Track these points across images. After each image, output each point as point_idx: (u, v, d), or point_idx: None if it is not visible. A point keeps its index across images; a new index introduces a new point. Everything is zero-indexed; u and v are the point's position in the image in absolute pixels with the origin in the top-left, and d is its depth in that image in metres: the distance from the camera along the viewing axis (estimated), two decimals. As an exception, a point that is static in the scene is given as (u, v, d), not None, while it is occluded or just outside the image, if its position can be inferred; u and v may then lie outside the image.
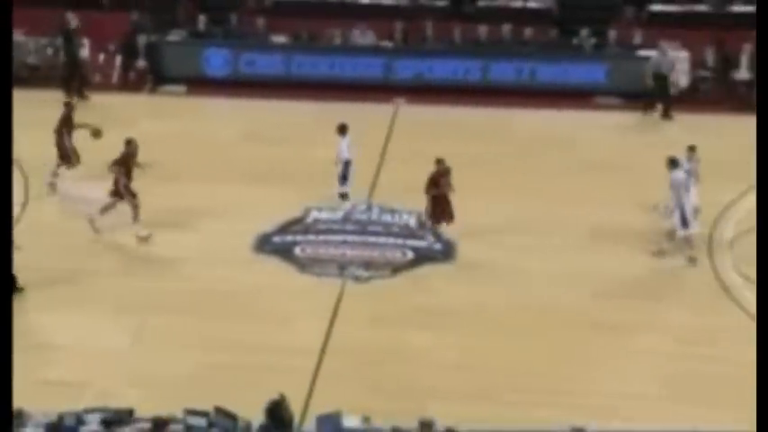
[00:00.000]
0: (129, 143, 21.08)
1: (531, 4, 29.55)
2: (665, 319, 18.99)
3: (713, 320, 18.89)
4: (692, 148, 21.02)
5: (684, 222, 20.31)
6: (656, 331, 18.65)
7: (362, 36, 28.38)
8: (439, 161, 20.75)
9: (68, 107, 23.19)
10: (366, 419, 15.33)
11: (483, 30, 28.18)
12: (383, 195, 22.73)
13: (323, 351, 18.02)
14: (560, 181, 22.99)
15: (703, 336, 18.45)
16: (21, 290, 18.79)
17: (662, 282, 20.07)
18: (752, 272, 19.94)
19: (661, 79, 26.52)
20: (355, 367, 17.63)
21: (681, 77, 27.07)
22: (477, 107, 26.17)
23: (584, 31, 28.01)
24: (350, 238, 21.33)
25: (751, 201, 22.29)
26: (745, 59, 27.22)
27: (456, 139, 23.83)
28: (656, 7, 29.08)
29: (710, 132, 25.54)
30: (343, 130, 22.15)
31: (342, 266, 20.42)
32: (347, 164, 22.07)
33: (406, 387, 17.14)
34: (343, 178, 22.19)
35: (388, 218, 22.00)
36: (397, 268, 20.52)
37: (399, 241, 21.30)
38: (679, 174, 20.28)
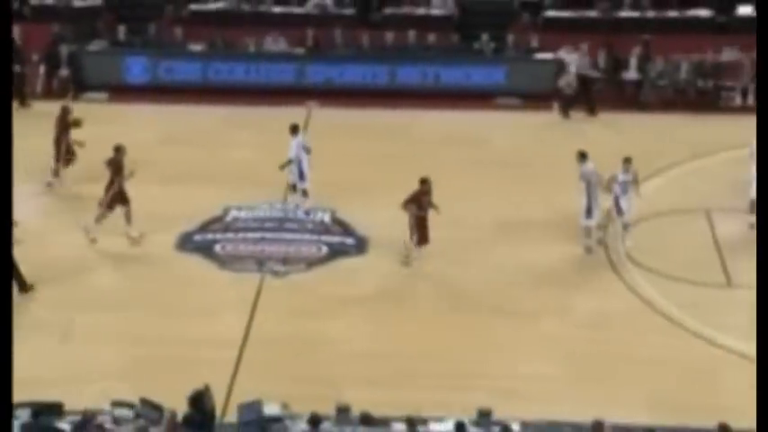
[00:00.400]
0: (119, 150, 20.87)
1: (434, 12, 29.61)
2: (565, 304, 19.16)
3: (609, 305, 19.13)
4: (627, 160, 20.57)
5: (588, 213, 20.49)
6: (557, 316, 18.83)
7: (275, 43, 28.26)
8: (424, 181, 19.95)
9: (65, 110, 23.02)
10: (285, 406, 15.31)
11: (389, 36, 28.19)
12: (299, 194, 22.65)
13: (244, 343, 17.96)
14: (467, 176, 23.05)
15: (600, 319, 18.69)
16: (30, 287, 18.86)
17: (562, 270, 20.22)
18: (643, 258, 20.32)
19: (582, 80, 26.72)
20: (275, 357, 17.59)
21: (574, 78, 27.28)
22: (385, 109, 26.18)
23: (484, 36, 28.12)
24: (267, 235, 21.26)
25: (639, 192, 22.62)
26: (633, 61, 27.50)
27: (367, 140, 23.88)
28: (551, 13, 29.30)
29: (603, 128, 25.85)
30: (294, 130, 22.01)
31: (260, 262, 20.35)
32: (292, 162, 21.79)
33: (323, 375, 17.15)
34: (301, 175, 21.94)
35: (302, 215, 21.94)
36: (312, 262, 20.50)
37: (314, 237, 21.27)
38: (588, 166, 20.43)
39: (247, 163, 23.07)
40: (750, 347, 17.70)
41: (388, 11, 29.57)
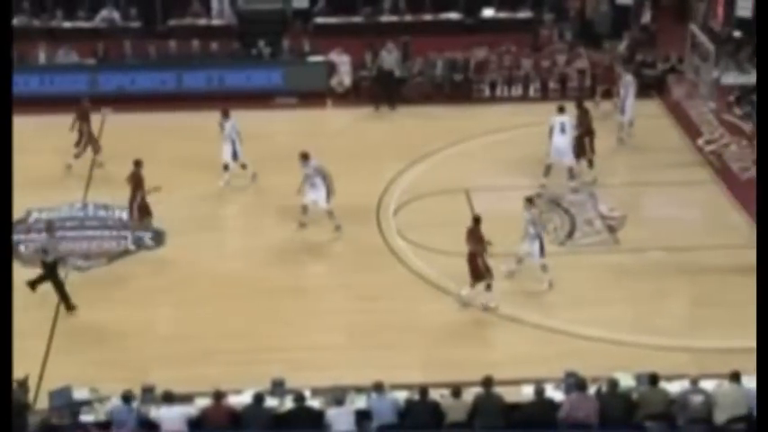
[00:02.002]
0: (138, 164, 20.10)
1: (215, 22, 29.36)
2: (345, 280, 19.29)
3: (384, 279, 19.33)
4: (530, 200, 19.18)
5: (327, 198, 20.50)
6: (339, 291, 18.96)
7: (67, 56, 27.44)
8: (477, 219, 18.18)
9: (84, 105, 23.04)
10: (94, 390, 15.00)
11: (174, 45, 27.78)
12: (97, 194, 22.13)
13: (51, 334, 17.48)
14: (254, 169, 22.89)
15: (377, 292, 18.87)
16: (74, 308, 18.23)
17: (340, 249, 20.36)
18: (411, 235, 20.65)
19: (386, 75, 26.78)
20: (82, 345, 17.22)
21: (345, 78, 27.47)
22: (174, 112, 25.79)
23: (262, 42, 28.02)
24: (69, 233, 20.64)
25: (407, 179, 23.02)
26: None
27: (160, 141, 23.52)
28: (320, 20, 29.43)
29: (373, 121, 26.14)
30: (226, 113, 22.33)
31: (62, 259, 19.74)
32: (233, 142, 22.11)
33: (130, 359, 16.88)
34: (234, 155, 22.24)
35: (102, 213, 21.44)
36: (113, 257, 20.07)
37: (114, 233, 20.81)
38: (313, 162, 20.38)
39: (47, 168, 22.41)
40: (507, 308, 18.31)
41: (173, 22, 29.15)
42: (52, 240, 18.42)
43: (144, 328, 17.77)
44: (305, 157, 20.52)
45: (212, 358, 16.86)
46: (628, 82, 24.34)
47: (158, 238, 20.63)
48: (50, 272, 18.21)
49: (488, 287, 18.18)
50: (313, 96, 26.93)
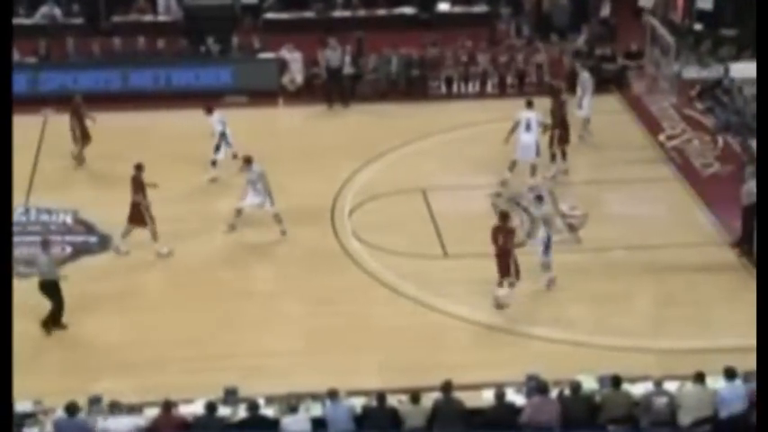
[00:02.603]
0: (140, 167, 19.81)
1: (161, 18, 29.20)
2: (299, 283, 19.21)
3: (339, 281, 19.27)
4: (539, 198, 19.56)
5: (271, 203, 20.44)
6: (294, 295, 18.87)
7: (7, 54, 27.17)
8: (504, 216, 18.46)
9: (76, 101, 23.34)
10: (38, 402, 14.83)
11: (119, 43, 27.59)
12: (39, 198, 21.90)
13: (-7, 344, 17.23)
14: (204, 170, 22.78)
15: (332, 295, 18.80)
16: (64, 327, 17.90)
17: (294, 251, 20.26)
18: (367, 236, 20.62)
19: (334, 73, 26.70)
20: (27, 354, 16.95)
21: (296, 75, 27.39)
22: (120, 112, 25.55)
23: (210, 39, 27.89)
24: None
25: (361, 179, 22.99)
26: (347, 58, 27.73)
27: (104, 142, 23.29)
28: (270, 15, 29.36)
29: (326, 119, 26.09)
30: (209, 109, 22.61)
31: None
32: (222, 135, 22.51)
33: (76, 368, 16.75)
34: (217, 148, 22.49)
35: (45, 217, 21.23)
36: (57, 262, 19.82)
37: (58, 238, 20.59)
38: (255, 167, 20.29)
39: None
40: (466, 311, 18.33)
41: (117, 19, 28.98)
42: (47, 257, 18.13)
43: (92, 336, 17.61)
44: (248, 161, 20.44)
45: (162, 367, 16.72)
46: (585, 79, 24.43)
47: (104, 242, 20.45)
48: (55, 290, 17.98)
49: (512, 285, 18.23)
50: (264, 95, 26.84)
